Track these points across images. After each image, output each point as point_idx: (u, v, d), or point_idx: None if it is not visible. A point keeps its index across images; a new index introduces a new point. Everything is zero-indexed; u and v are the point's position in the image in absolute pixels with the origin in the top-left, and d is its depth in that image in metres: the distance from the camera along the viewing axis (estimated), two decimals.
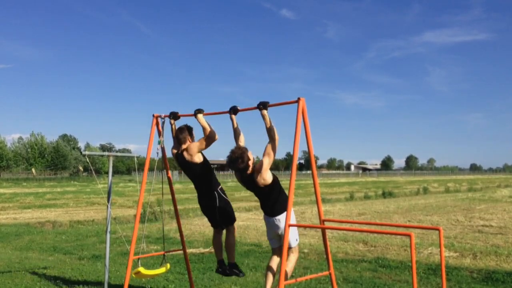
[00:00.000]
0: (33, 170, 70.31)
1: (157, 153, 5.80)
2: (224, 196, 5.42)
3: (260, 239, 10.83)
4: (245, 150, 4.87)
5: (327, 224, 7.70)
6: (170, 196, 6.11)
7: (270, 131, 4.79)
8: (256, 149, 4.88)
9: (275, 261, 5.00)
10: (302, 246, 9.69)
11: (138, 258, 6.01)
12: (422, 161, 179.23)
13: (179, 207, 6.55)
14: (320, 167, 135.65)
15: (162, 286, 6.77)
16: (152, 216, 15.44)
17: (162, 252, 6.30)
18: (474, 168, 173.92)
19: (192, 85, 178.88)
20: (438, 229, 4.24)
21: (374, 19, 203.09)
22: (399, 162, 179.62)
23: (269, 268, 4.98)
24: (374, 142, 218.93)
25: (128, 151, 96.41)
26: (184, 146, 5.36)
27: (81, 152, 12.28)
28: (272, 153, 4.77)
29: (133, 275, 5.78)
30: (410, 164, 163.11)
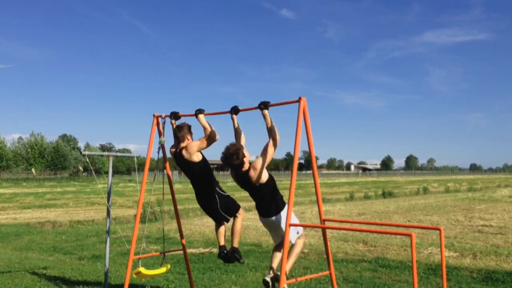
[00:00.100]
0: (33, 170, 70.30)
1: (158, 153, 5.81)
2: (223, 192, 5.40)
3: (260, 239, 10.83)
4: (240, 147, 4.85)
5: (327, 224, 7.71)
6: (170, 196, 6.11)
7: (271, 131, 4.79)
8: (257, 149, 4.86)
9: (280, 246, 5.00)
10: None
11: (139, 258, 6.01)
12: (422, 161, 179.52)
13: (179, 207, 6.55)
14: (320, 167, 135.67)
15: (162, 286, 6.78)
16: (152, 216, 15.46)
17: (162, 252, 6.30)
18: (474, 168, 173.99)
19: (192, 85, 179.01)
20: (438, 229, 4.24)
21: (374, 19, 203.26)
22: (399, 162, 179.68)
23: (276, 249, 5.01)
24: (374, 142, 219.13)
25: (128, 151, 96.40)
26: (183, 144, 5.33)
27: (81, 152, 12.27)
28: (270, 152, 4.75)
29: (134, 275, 5.78)
30: (410, 164, 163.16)
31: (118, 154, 7.58)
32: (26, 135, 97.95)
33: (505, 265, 7.74)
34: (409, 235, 3.67)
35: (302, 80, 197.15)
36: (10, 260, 8.99)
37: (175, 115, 5.67)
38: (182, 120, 5.72)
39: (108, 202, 6.24)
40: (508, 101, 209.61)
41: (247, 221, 14.18)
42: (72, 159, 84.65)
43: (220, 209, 5.34)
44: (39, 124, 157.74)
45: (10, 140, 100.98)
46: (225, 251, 5.42)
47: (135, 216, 5.86)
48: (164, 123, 5.75)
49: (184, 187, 36.28)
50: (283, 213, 4.79)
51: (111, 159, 6.25)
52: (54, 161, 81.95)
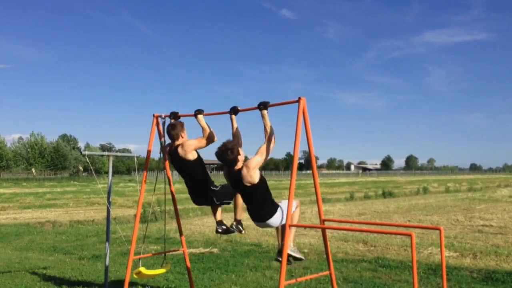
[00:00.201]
0: (33, 170, 70.30)
1: (160, 153, 5.81)
2: (216, 188, 5.33)
3: (260, 239, 10.83)
4: (237, 144, 4.82)
5: (327, 224, 7.70)
6: (170, 196, 6.11)
7: (268, 132, 4.74)
8: (255, 150, 4.83)
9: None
10: (302, 246, 9.70)
11: (139, 258, 6.02)
12: (422, 161, 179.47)
13: (179, 207, 6.55)
14: (320, 167, 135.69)
15: (162, 286, 6.78)
16: (152, 216, 15.46)
17: (162, 252, 6.30)
18: (474, 168, 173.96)
19: (192, 85, 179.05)
20: (439, 229, 4.24)
21: (374, 19, 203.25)
22: (399, 162, 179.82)
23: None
24: (374, 142, 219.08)
25: (128, 151, 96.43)
26: (177, 142, 5.27)
27: (81, 152, 12.28)
28: (265, 153, 4.69)
29: (134, 276, 5.78)
30: (410, 164, 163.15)
31: (118, 154, 7.58)
32: (26, 135, 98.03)
33: (505, 265, 7.74)
34: (409, 235, 3.67)
35: (302, 80, 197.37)
36: (10, 260, 8.99)
37: (174, 115, 5.67)
38: (181, 120, 5.71)
39: (108, 202, 6.24)
40: (508, 101, 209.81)
41: (247, 221, 14.14)
42: (72, 159, 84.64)
43: (218, 202, 5.34)
44: (39, 124, 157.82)
45: (10, 140, 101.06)
46: (224, 226, 5.41)
47: (135, 216, 5.85)
48: (164, 123, 5.75)
49: (184, 187, 35.94)
50: (277, 216, 4.74)
51: (111, 159, 6.25)
52: (54, 161, 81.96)
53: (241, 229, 5.40)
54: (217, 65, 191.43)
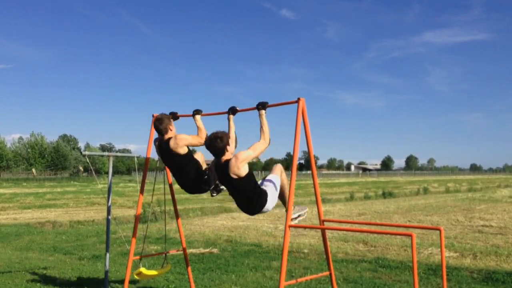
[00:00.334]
0: (33, 170, 70.32)
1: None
2: (210, 179, 5.18)
3: (260, 239, 10.83)
4: (227, 134, 4.77)
5: (327, 224, 7.71)
6: (170, 196, 6.12)
7: (263, 132, 4.69)
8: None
9: None
10: (302, 246, 9.70)
11: (140, 259, 6.02)
12: (422, 161, 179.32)
13: (179, 207, 6.55)
14: (320, 167, 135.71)
15: (162, 286, 6.78)
16: (152, 216, 15.46)
17: (162, 253, 6.31)
18: (474, 168, 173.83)
19: (192, 85, 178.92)
20: (439, 229, 4.24)
21: (374, 19, 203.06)
22: (399, 162, 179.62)
23: None
24: (374, 142, 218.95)
25: (128, 151, 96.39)
26: (167, 136, 5.19)
27: (81, 152, 12.28)
28: (257, 150, 4.61)
29: (135, 276, 5.78)
30: (410, 164, 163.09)
31: (118, 154, 7.58)
32: (26, 135, 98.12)
33: (505, 265, 7.74)
34: (410, 236, 3.67)
35: (302, 80, 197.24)
36: (10, 260, 9.00)
37: (174, 116, 5.66)
38: (180, 120, 5.71)
39: (108, 202, 6.24)
40: (508, 101, 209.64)
41: (247, 221, 14.18)
42: (72, 159, 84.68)
43: (211, 189, 5.24)
44: (39, 124, 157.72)
45: (10, 140, 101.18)
46: (217, 188, 5.28)
47: (135, 216, 5.84)
48: None
49: None
50: (269, 203, 4.66)
51: (111, 159, 6.25)
52: (54, 161, 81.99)
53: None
54: (217, 65, 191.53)
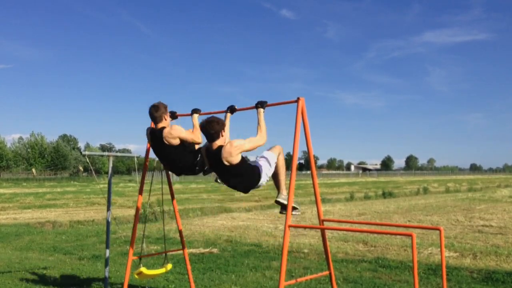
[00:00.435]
0: (33, 170, 70.29)
1: None
2: (202, 162, 5.07)
3: (260, 239, 10.83)
4: (224, 122, 4.74)
5: (326, 224, 7.71)
6: (169, 196, 6.11)
7: (260, 129, 4.68)
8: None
9: None
10: (302, 246, 9.70)
11: (140, 258, 6.02)
12: (422, 161, 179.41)
13: (179, 207, 6.55)
14: (320, 167, 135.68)
15: (162, 286, 6.78)
16: (152, 216, 15.46)
17: (162, 252, 6.30)
18: (474, 168, 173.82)
19: (192, 85, 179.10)
20: (439, 229, 4.23)
21: (374, 19, 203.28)
22: (399, 162, 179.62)
23: None
24: (374, 142, 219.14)
25: (128, 151, 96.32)
26: (160, 124, 5.11)
27: (81, 152, 12.28)
28: (252, 143, 4.58)
29: (135, 276, 5.78)
30: (410, 164, 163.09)
31: (118, 154, 7.57)
32: (26, 135, 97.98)
33: (505, 265, 7.74)
34: (410, 236, 3.67)
35: (302, 80, 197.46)
36: (10, 260, 8.99)
37: (173, 115, 5.66)
38: (180, 120, 5.70)
39: (108, 202, 6.24)
40: (508, 101, 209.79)
41: (247, 221, 14.17)
42: (72, 159, 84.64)
43: (202, 171, 5.20)
44: (39, 124, 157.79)
45: (10, 140, 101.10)
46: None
47: (135, 216, 5.85)
48: None
49: (184, 187, 36.24)
50: (262, 178, 4.66)
51: (111, 159, 6.25)
52: (54, 161, 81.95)
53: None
54: (217, 65, 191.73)
